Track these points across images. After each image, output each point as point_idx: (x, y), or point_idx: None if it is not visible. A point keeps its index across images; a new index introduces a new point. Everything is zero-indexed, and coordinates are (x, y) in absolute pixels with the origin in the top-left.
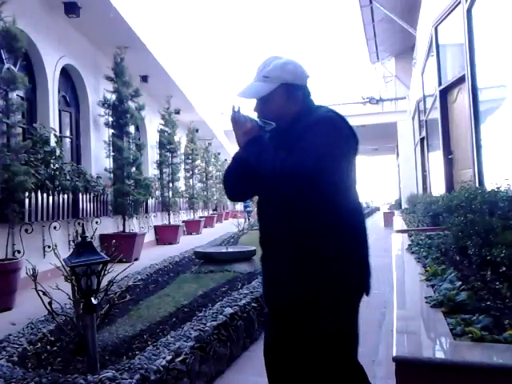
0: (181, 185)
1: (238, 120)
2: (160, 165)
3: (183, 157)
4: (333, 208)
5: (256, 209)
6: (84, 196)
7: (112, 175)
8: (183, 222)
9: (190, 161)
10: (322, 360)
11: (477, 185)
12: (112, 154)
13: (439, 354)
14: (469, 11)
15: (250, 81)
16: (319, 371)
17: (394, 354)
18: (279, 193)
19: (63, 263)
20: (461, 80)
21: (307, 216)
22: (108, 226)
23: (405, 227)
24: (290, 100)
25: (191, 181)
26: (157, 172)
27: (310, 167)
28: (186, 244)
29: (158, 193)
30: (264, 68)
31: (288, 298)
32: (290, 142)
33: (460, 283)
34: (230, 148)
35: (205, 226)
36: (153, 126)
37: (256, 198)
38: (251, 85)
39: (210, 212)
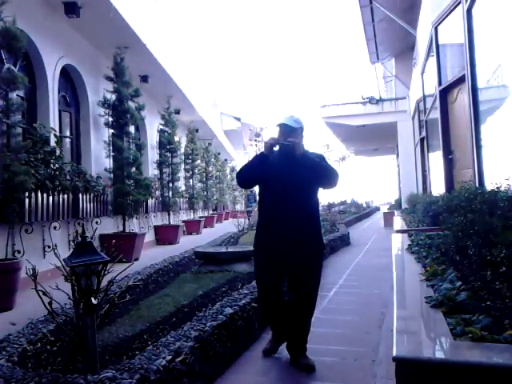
0: (181, 185)
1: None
2: (160, 165)
3: (183, 157)
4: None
5: (266, 197)
6: (84, 196)
7: (112, 175)
8: (183, 222)
9: (190, 161)
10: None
11: (477, 185)
12: (112, 154)
13: (439, 354)
14: (469, 11)
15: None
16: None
17: (394, 354)
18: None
19: (63, 263)
20: (461, 80)
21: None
22: (108, 226)
23: (405, 227)
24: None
25: (191, 181)
26: (157, 172)
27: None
28: (186, 244)
29: (158, 193)
30: (293, 117)
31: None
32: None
33: (460, 283)
34: (229, 148)
35: (205, 226)
36: (153, 126)
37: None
38: (288, 121)
39: (210, 212)
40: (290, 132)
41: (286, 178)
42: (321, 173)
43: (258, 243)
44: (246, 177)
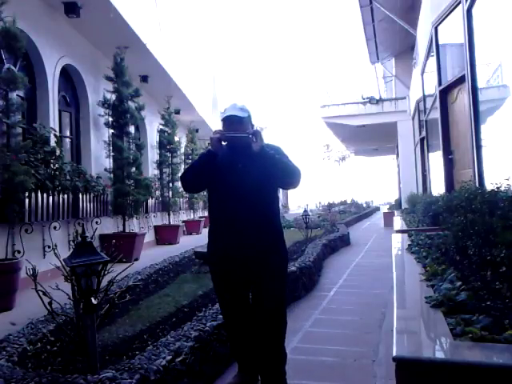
0: (181, 185)
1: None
2: (160, 165)
3: (183, 157)
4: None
5: (217, 201)
6: (84, 196)
7: (112, 175)
8: (183, 222)
9: (190, 161)
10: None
11: (477, 185)
12: (112, 154)
13: (439, 354)
14: (469, 11)
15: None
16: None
17: (394, 354)
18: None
19: (63, 263)
20: (461, 80)
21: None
22: (108, 226)
23: (405, 227)
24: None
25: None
26: (157, 172)
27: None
28: (186, 244)
29: (158, 193)
30: (235, 105)
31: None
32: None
33: (460, 283)
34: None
35: (205, 226)
36: (153, 126)
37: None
38: (234, 111)
39: None
40: (238, 123)
41: (239, 178)
42: (282, 171)
43: (211, 253)
44: (191, 179)
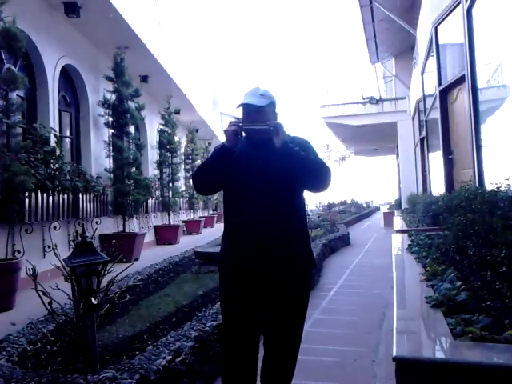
0: (181, 185)
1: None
2: (160, 165)
3: (183, 157)
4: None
5: (235, 204)
6: (84, 196)
7: (112, 175)
8: (183, 222)
9: (189, 161)
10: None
11: (477, 185)
12: (112, 154)
13: (439, 354)
14: (469, 11)
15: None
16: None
17: (394, 354)
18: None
19: (63, 263)
20: (461, 80)
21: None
22: (108, 225)
23: (405, 227)
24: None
25: (191, 181)
26: (157, 172)
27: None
28: (186, 244)
29: (158, 193)
30: (258, 90)
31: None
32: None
33: (460, 283)
34: None
35: (205, 226)
36: (153, 126)
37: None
38: (251, 99)
39: (210, 212)
40: (256, 113)
41: (259, 177)
42: (309, 171)
43: (225, 263)
44: (204, 179)
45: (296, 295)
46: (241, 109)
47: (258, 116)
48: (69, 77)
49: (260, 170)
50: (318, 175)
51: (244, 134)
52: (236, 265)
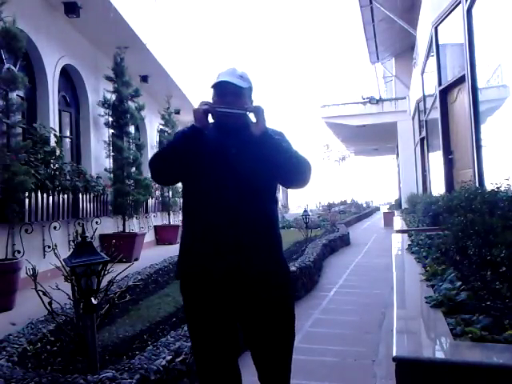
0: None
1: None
2: None
3: None
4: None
5: (199, 199)
6: (84, 196)
7: (112, 175)
8: None
9: None
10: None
11: (477, 185)
12: (112, 154)
13: (439, 354)
14: (469, 11)
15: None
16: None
17: (394, 354)
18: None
19: (63, 263)
20: (461, 80)
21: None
22: (108, 225)
23: (405, 227)
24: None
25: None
26: None
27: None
28: None
29: (157, 193)
30: (235, 71)
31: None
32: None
33: (460, 283)
34: None
35: None
36: (153, 125)
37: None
38: (230, 77)
39: None
40: (234, 95)
41: (232, 169)
42: (291, 164)
43: (185, 272)
44: (164, 165)
45: (275, 299)
46: (212, 91)
47: (234, 99)
48: (69, 77)
49: (233, 159)
50: (298, 169)
51: (213, 120)
52: (197, 273)
